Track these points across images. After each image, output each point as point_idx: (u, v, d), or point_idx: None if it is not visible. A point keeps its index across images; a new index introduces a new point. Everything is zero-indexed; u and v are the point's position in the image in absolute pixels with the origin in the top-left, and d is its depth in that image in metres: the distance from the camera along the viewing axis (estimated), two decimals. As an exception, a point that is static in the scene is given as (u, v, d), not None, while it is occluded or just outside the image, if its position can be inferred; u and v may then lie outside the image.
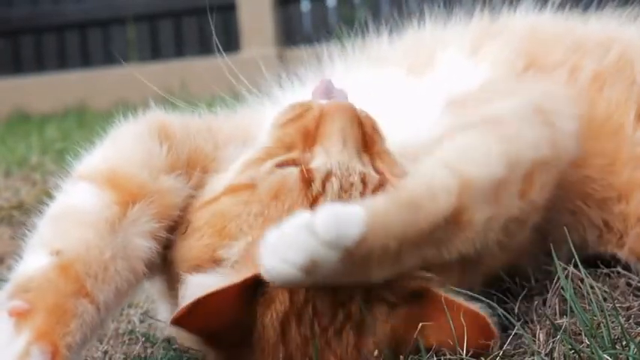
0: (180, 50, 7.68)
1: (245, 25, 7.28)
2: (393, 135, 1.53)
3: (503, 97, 1.62)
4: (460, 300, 1.37)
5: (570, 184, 1.69)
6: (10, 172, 3.49)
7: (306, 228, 1.22)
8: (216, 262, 1.39)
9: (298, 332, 1.36)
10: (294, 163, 1.43)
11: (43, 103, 7.27)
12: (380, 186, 1.41)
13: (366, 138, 1.47)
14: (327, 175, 1.40)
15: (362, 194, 1.39)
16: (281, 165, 1.43)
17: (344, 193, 1.39)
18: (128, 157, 1.49)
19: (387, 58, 1.86)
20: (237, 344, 1.38)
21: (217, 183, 1.48)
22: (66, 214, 1.43)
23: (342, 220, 1.23)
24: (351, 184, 1.40)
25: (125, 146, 1.52)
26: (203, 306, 1.33)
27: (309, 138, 1.46)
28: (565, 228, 1.59)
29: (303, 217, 1.24)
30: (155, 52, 7.75)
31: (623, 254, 1.69)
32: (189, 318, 1.34)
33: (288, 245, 1.23)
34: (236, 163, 1.48)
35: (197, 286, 1.36)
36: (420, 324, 1.37)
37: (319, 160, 1.42)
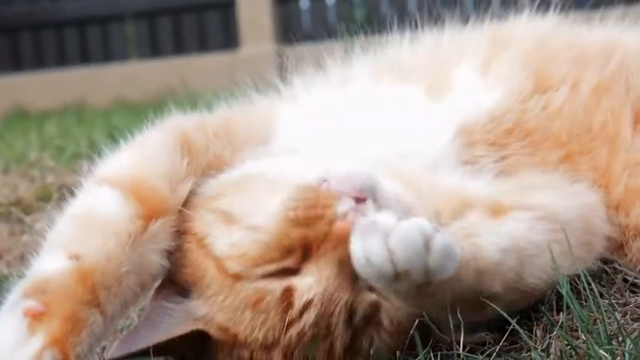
0: (179, 47, 7.68)
1: (244, 23, 7.28)
2: (397, 153, 1.56)
3: (543, 187, 1.63)
4: None
5: None
6: (8, 168, 3.49)
7: (424, 238, 1.26)
8: None
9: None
10: (283, 272, 1.38)
11: (42, 100, 7.27)
12: (373, 312, 1.39)
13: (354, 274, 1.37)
14: (306, 305, 1.36)
15: (345, 322, 1.37)
16: (269, 275, 1.38)
17: (321, 320, 1.36)
18: (154, 168, 1.49)
19: (407, 70, 1.82)
20: None
21: (220, 237, 1.44)
22: (89, 217, 1.43)
23: (451, 251, 1.28)
24: (330, 314, 1.36)
25: (152, 156, 1.52)
26: None
27: (307, 250, 1.38)
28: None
29: (426, 225, 1.27)
30: (154, 50, 7.75)
31: (624, 265, 1.67)
32: None
33: (403, 241, 1.26)
34: (238, 227, 1.42)
35: None
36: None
37: (307, 281, 1.37)
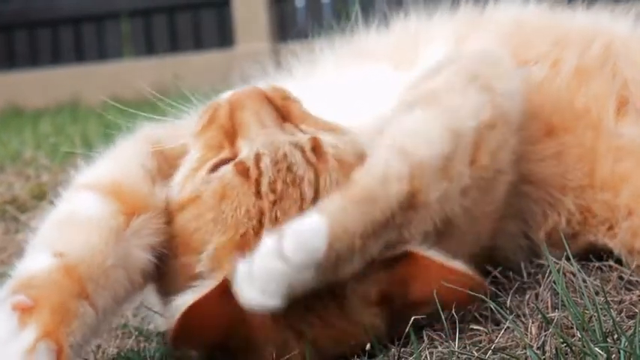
0: (174, 45, 7.67)
1: (239, 21, 7.28)
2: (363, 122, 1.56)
3: (443, 70, 1.64)
4: (440, 258, 1.41)
5: (546, 176, 1.72)
6: (3, 167, 3.49)
7: (276, 256, 1.26)
8: (194, 279, 1.41)
9: (285, 322, 1.38)
10: (226, 161, 1.44)
11: (37, 97, 7.26)
12: (315, 145, 1.43)
13: (281, 110, 1.50)
14: (257, 158, 1.41)
15: (303, 158, 1.42)
16: (215, 168, 1.44)
17: (280, 165, 1.41)
18: (129, 173, 1.51)
19: (374, 52, 1.86)
20: (244, 347, 1.40)
21: (173, 198, 1.49)
22: (70, 218, 1.44)
23: (307, 237, 1.27)
24: (284, 155, 1.42)
25: (126, 163, 1.54)
26: (189, 322, 1.35)
27: (231, 134, 1.48)
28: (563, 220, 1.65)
29: (269, 244, 1.27)
30: (149, 47, 7.74)
31: (614, 246, 1.70)
32: (182, 338, 1.36)
33: (263, 277, 1.26)
34: (176, 179, 1.50)
35: (177, 307, 1.38)
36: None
37: (245, 150, 1.44)
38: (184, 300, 1.38)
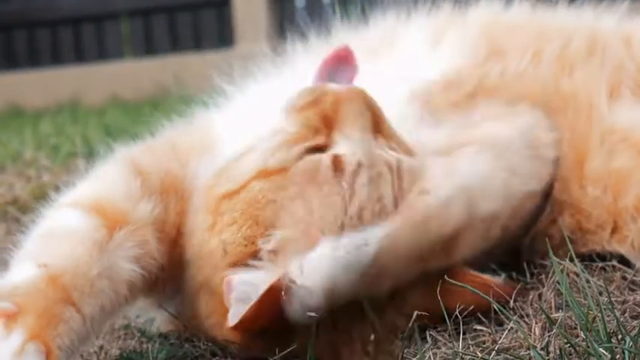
0: (174, 45, 7.66)
1: (239, 21, 7.27)
2: None
3: (491, 117, 1.66)
4: (474, 272, 1.47)
5: None
6: (4, 167, 3.48)
7: (329, 253, 1.31)
8: (254, 255, 1.40)
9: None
10: (321, 148, 1.45)
11: (37, 98, 7.25)
12: (399, 168, 1.45)
13: (377, 119, 1.50)
14: (358, 165, 1.42)
15: (391, 181, 1.43)
16: (310, 151, 1.45)
17: (374, 185, 1.42)
18: (111, 191, 1.52)
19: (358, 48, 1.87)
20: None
21: (238, 169, 1.47)
22: (54, 232, 1.46)
23: (359, 244, 1.32)
24: (379, 174, 1.43)
25: (107, 182, 1.55)
26: (271, 300, 1.33)
27: (329, 123, 1.47)
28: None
29: (326, 244, 1.32)
30: (149, 48, 7.73)
31: (628, 252, 1.66)
32: (254, 319, 1.35)
33: (312, 269, 1.30)
34: (260, 146, 1.48)
35: (246, 284, 1.37)
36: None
37: (344, 147, 1.44)
38: (255, 278, 1.37)
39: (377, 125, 1.49)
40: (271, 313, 1.33)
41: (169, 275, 1.53)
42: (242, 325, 1.37)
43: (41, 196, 2.83)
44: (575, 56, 1.80)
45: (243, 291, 1.37)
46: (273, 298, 1.32)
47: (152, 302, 1.62)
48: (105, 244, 1.42)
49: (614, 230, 1.67)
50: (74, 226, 1.44)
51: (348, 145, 1.45)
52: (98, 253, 1.40)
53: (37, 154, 3.59)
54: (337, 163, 1.42)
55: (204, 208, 1.47)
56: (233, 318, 1.38)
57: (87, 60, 7.76)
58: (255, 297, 1.33)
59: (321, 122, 1.48)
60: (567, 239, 1.54)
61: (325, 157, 1.43)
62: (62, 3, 7.86)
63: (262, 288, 1.33)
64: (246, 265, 1.40)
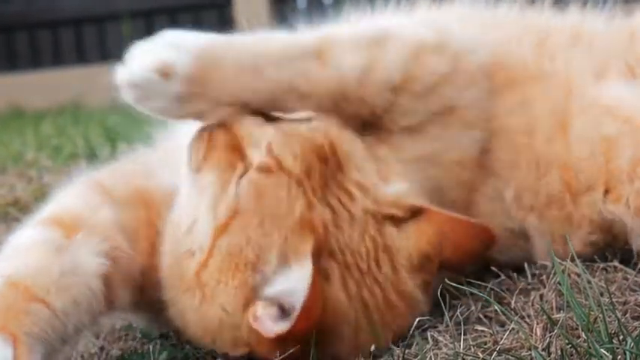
0: (175, 46, 7.66)
1: (241, 21, 7.28)
2: None
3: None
4: (456, 214, 1.51)
5: (511, 126, 1.71)
6: (5, 168, 3.49)
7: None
8: (254, 294, 1.41)
9: (355, 285, 1.42)
10: (245, 171, 1.45)
11: (38, 99, 7.26)
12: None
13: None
14: (268, 149, 1.45)
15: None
16: (238, 184, 1.45)
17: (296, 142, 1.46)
18: (71, 205, 1.56)
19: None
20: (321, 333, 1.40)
21: (195, 241, 1.46)
22: (14, 249, 1.48)
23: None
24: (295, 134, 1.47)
25: (67, 199, 1.59)
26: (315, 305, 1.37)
27: (236, 146, 1.48)
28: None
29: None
30: (150, 49, 7.73)
31: (623, 213, 1.65)
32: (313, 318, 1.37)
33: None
34: (201, 213, 1.47)
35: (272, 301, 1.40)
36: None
37: (257, 153, 1.46)
38: (276, 291, 1.40)
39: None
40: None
41: (149, 282, 1.54)
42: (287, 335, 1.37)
43: (42, 197, 2.84)
44: (558, 46, 1.81)
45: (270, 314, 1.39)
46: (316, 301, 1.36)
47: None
48: (64, 247, 1.44)
49: (608, 191, 1.67)
50: (31, 239, 1.47)
51: (259, 151, 1.46)
52: (56, 254, 1.43)
53: (38, 155, 3.60)
54: (262, 167, 1.44)
55: (185, 288, 1.46)
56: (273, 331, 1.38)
57: (88, 61, 7.77)
58: (297, 304, 1.36)
59: (230, 152, 1.48)
60: (567, 239, 1.54)
61: (252, 174, 1.44)
62: (64, 4, 7.88)
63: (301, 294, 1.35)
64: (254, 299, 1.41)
